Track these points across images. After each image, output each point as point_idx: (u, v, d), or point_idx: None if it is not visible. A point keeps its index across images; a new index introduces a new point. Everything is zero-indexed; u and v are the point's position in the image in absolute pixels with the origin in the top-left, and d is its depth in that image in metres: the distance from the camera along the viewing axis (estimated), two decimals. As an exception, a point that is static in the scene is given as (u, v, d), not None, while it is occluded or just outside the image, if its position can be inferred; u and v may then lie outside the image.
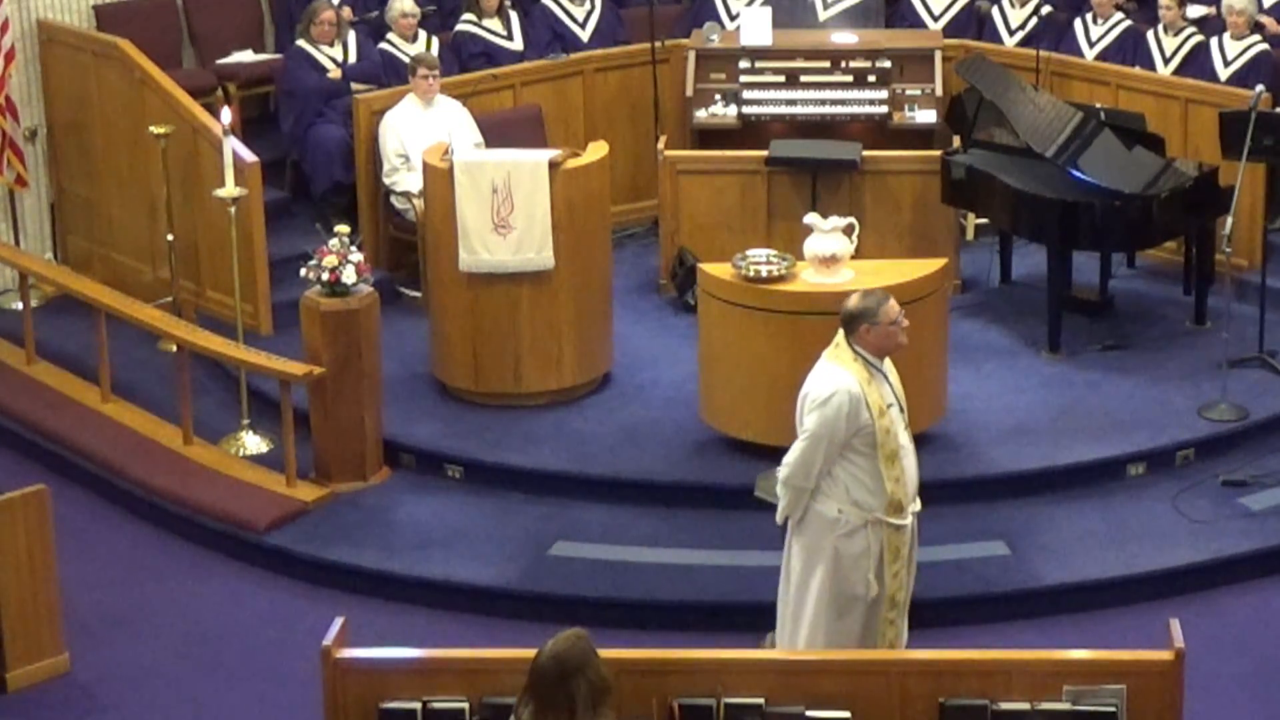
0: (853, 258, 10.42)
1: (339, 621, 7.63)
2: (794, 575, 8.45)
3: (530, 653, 6.79)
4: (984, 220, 12.86)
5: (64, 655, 9.28)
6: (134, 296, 11.74)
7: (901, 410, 8.29)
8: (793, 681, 7.44)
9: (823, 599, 8.35)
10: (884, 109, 13.02)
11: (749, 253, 10.43)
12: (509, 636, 8.93)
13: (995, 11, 13.63)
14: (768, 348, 10.24)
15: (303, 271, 10.64)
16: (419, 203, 11.88)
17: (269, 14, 14.22)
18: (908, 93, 13.06)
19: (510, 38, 13.54)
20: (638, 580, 9.74)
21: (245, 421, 11.12)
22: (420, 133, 12.03)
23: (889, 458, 8.20)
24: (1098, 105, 12.33)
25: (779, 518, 8.45)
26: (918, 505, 8.42)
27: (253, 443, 11.04)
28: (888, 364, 8.33)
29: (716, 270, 10.45)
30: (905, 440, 8.30)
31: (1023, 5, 13.56)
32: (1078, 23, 13.41)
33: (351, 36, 13.29)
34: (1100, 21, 13.34)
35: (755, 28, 13.21)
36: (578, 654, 6.61)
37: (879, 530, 8.26)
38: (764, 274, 10.27)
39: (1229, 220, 10.94)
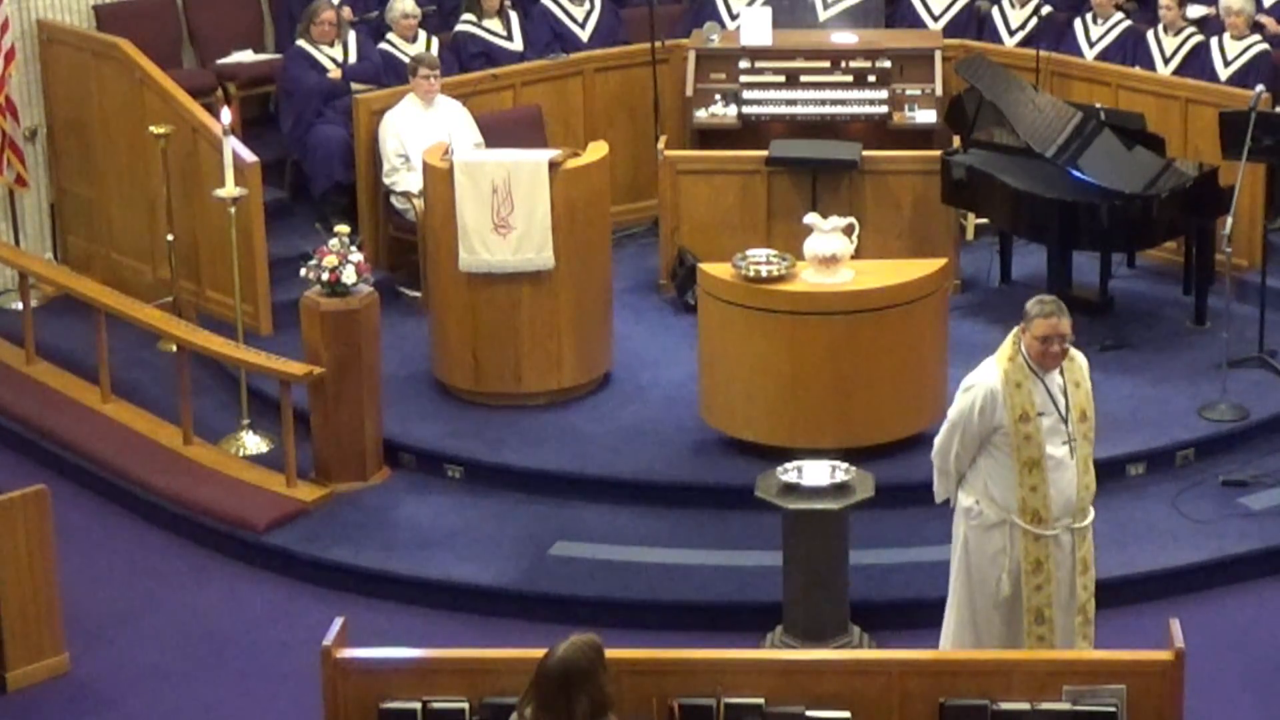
0: (853, 258, 10.43)
1: (339, 621, 7.63)
2: (950, 569, 8.45)
3: (530, 653, 6.80)
4: (984, 220, 12.86)
5: (64, 655, 9.28)
6: (134, 296, 11.74)
7: (1064, 421, 8.09)
8: (793, 681, 7.44)
9: (957, 593, 8.34)
10: (884, 109, 13.02)
11: (749, 253, 10.43)
12: (509, 636, 8.93)
13: (995, 11, 13.63)
14: (768, 348, 10.24)
15: (303, 271, 10.64)
16: (419, 203, 11.88)
17: (269, 14, 14.21)
18: (908, 93, 13.06)
19: (510, 38, 13.54)
20: (638, 580, 9.74)
21: (245, 421, 11.12)
22: (420, 133, 12.03)
23: (1026, 465, 8.08)
24: (1098, 105, 12.33)
25: (937, 499, 8.45)
26: (1079, 522, 8.20)
27: (253, 443, 11.04)
28: (1072, 374, 8.13)
29: (716, 270, 10.45)
30: (1056, 452, 8.09)
31: (1023, 5, 13.56)
32: (1078, 23, 13.41)
33: (351, 36, 13.29)
34: (1100, 21, 13.34)
35: (755, 28, 13.21)
36: (585, 665, 6.58)
37: (1017, 534, 8.16)
38: (764, 274, 10.27)
39: (1229, 220, 10.94)
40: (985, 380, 8.10)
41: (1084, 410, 8.19)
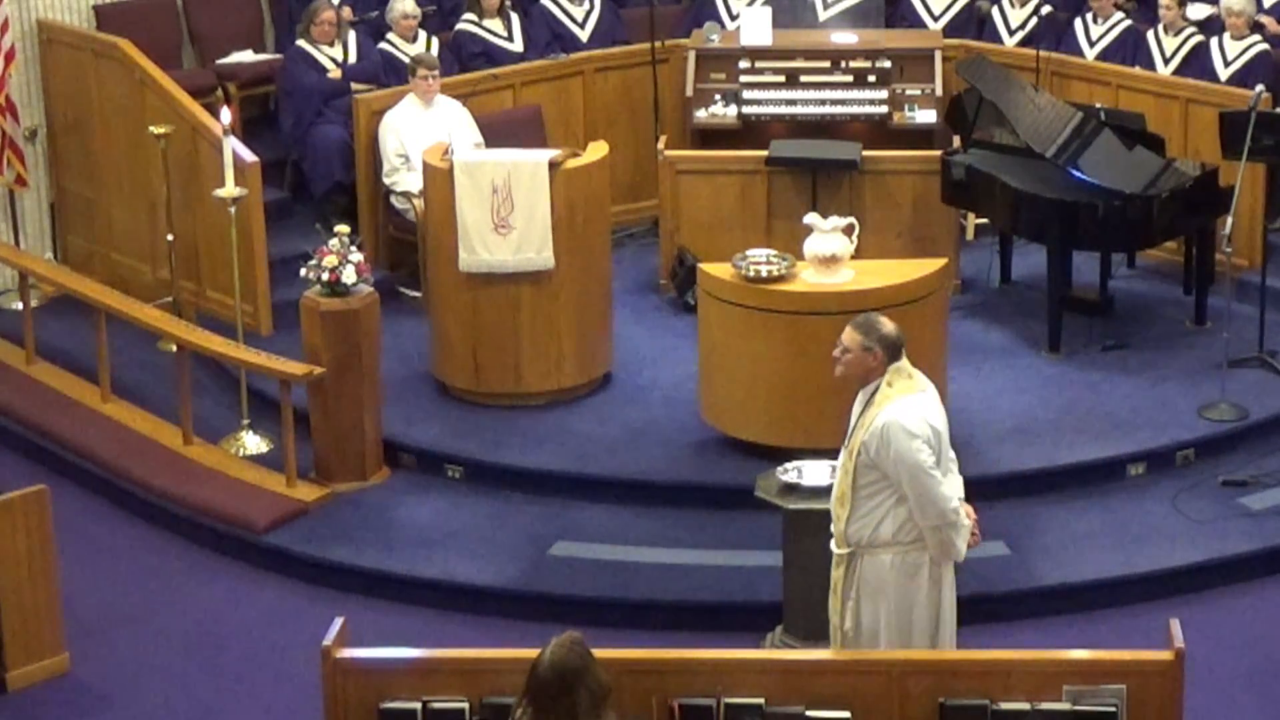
0: (853, 258, 10.43)
1: (339, 621, 7.63)
2: None
3: (530, 653, 6.79)
4: (984, 220, 12.86)
5: (64, 655, 9.28)
6: (134, 296, 11.75)
7: (846, 439, 7.85)
8: (793, 681, 7.45)
9: None
10: (884, 109, 13.02)
11: (749, 253, 10.43)
12: (509, 636, 8.93)
13: (995, 11, 13.63)
14: (768, 348, 10.24)
15: (303, 271, 10.64)
16: (419, 203, 11.88)
17: (269, 14, 14.22)
18: (908, 93, 13.06)
19: (510, 38, 13.54)
20: (638, 580, 9.74)
21: (245, 421, 11.12)
22: (420, 133, 12.04)
23: None
24: (1098, 105, 12.33)
25: None
26: (839, 551, 7.93)
27: (253, 443, 11.04)
28: (870, 416, 7.76)
29: (716, 270, 10.45)
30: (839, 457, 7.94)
31: (1023, 5, 13.56)
32: (1078, 23, 13.41)
33: (351, 36, 13.30)
34: (1100, 21, 13.34)
35: (755, 28, 13.21)
36: (577, 662, 6.59)
37: None
38: (764, 274, 10.27)
39: (1229, 220, 10.94)
40: None
41: (855, 449, 7.77)
